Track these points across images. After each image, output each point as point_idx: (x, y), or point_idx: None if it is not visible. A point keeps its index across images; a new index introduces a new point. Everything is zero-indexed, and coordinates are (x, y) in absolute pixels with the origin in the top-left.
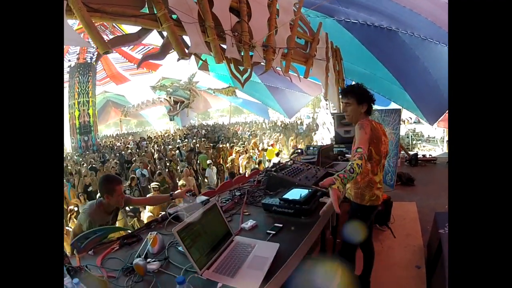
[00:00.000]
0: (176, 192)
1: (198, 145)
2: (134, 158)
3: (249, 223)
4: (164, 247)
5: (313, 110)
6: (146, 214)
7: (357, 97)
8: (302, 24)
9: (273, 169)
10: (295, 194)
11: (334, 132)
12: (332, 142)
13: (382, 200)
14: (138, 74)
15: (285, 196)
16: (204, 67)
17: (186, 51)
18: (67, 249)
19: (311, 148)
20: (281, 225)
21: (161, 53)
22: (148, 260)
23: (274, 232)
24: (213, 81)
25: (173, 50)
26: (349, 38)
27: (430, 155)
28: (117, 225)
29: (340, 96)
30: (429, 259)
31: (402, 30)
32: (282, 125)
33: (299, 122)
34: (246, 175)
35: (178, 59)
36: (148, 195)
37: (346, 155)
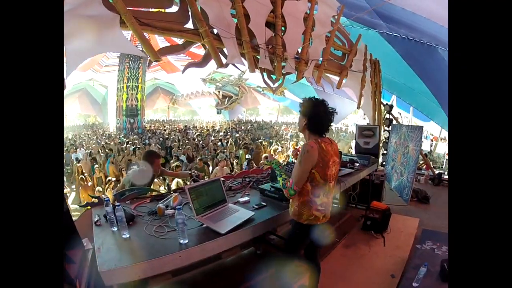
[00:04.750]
0: (193, 172)
1: (240, 139)
2: (174, 144)
3: (244, 198)
4: (181, 203)
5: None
6: (174, 181)
7: (302, 109)
8: (341, 36)
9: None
10: None
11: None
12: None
13: (324, 220)
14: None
15: (276, 185)
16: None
17: (224, 61)
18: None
19: None
20: (264, 204)
21: (202, 62)
22: (168, 207)
23: (257, 207)
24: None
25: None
26: (389, 50)
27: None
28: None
29: None
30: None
31: (442, 47)
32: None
33: (344, 128)
34: None
35: (217, 68)
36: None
37: (355, 163)
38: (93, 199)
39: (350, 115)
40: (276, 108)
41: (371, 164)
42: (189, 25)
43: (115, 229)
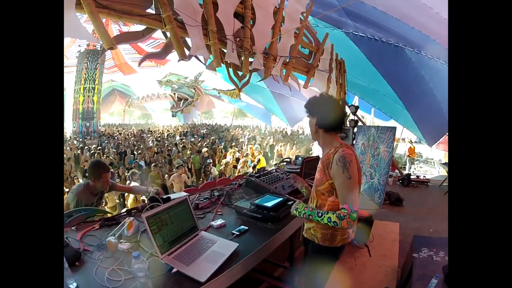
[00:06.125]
0: (151, 189)
1: (195, 144)
2: (130, 149)
3: (218, 222)
4: (137, 232)
5: None
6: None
7: (309, 109)
8: (308, 34)
9: (255, 175)
10: (267, 200)
11: None
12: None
13: (353, 236)
14: (146, 66)
15: (257, 202)
16: (211, 66)
17: (187, 52)
18: None
19: (300, 158)
20: (246, 228)
21: (162, 52)
22: (121, 240)
23: (238, 233)
24: (220, 81)
25: (174, 50)
26: (355, 51)
27: (424, 176)
28: (105, 207)
29: None
30: (400, 282)
31: (409, 48)
32: (284, 133)
33: (301, 131)
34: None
35: (178, 60)
36: (131, 184)
37: None
38: None
39: (305, 118)
40: (231, 111)
41: None
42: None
43: None
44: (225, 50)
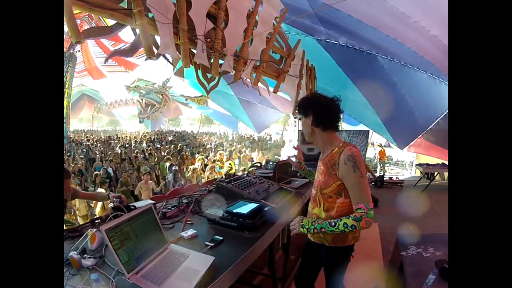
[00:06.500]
0: (112, 194)
1: (163, 151)
2: (98, 156)
3: (189, 232)
4: (102, 245)
5: (283, 127)
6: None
7: (302, 109)
8: (280, 39)
9: (225, 180)
10: (241, 207)
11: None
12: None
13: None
14: (115, 71)
15: (230, 209)
16: (180, 72)
17: (155, 51)
18: None
19: (271, 163)
20: (221, 238)
21: (130, 50)
22: (85, 255)
23: (212, 245)
24: (187, 88)
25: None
26: (326, 58)
27: (397, 177)
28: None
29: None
30: (390, 280)
31: (382, 55)
32: (251, 139)
33: (268, 137)
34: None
35: (146, 59)
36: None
37: None
38: None
39: (272, 124)
40: (198, 118)
41: None
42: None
43: None
44: (194, 51)
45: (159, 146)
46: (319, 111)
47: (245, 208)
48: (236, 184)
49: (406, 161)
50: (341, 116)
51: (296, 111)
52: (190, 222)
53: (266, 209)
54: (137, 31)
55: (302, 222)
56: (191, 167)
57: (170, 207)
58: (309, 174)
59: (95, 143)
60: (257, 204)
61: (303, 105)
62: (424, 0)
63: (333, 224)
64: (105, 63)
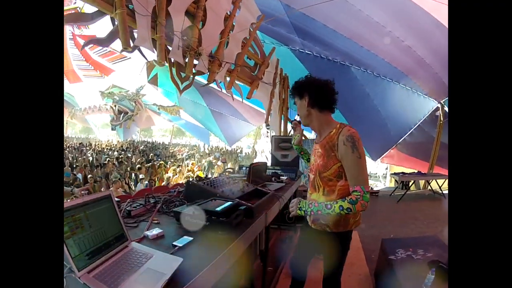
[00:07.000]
0: (78, 189)
1: (134, 160)
2: (69, 162)
3: (154, 232)
4: None
5: (254, 141)
6: None
7: (297, 91)
8: (255, 45)
9: (197, 179)
10: (213, 205)
11: (270, 156)
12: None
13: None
14: (91, 76)
15: (201, 206)
16: (154, 81)
17: (132, 44)
18: None
19: (244, 168)
20: (191, 238)
21: (107, 39)
22: None
23: (181, 245)
24: (160, 97)
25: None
26: (299, 68)
27: (371, 188)
28: None
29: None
30: (380, 286)
31: (355, 66)
32: (223, 151)
33: (239, 150)
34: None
35: (121, 50)
36: None
37: (281, 177)
38: None
39: (244, 138)
40: (170, 130)
41: (298, 177)
42: None
43: None
44: (170, 48)
45: (129, 155)
46: (315, 92)
47: (218, 205)
48: (208, 182)
49: (379, 173)
50: (336, 98)
51: (290, 94)
52: (156, 221)
53: (241, 208)
54: (116, 21)
55: (299, 204)
56: (166, 176)
57: (136, 205)
58: (305, 153)
59: (68, 148)
60: (232, 202)
61: (298, 87)
62: (398, 10)
63: (329, 207)
64: (81, 49)
